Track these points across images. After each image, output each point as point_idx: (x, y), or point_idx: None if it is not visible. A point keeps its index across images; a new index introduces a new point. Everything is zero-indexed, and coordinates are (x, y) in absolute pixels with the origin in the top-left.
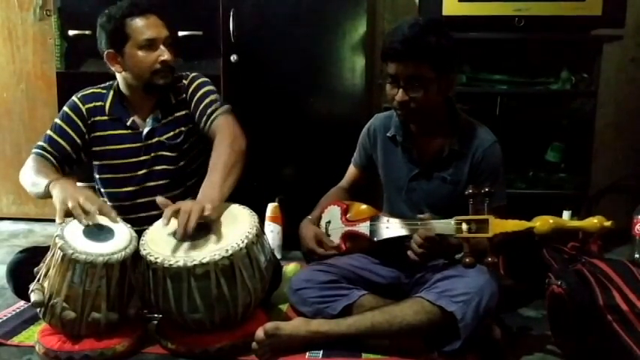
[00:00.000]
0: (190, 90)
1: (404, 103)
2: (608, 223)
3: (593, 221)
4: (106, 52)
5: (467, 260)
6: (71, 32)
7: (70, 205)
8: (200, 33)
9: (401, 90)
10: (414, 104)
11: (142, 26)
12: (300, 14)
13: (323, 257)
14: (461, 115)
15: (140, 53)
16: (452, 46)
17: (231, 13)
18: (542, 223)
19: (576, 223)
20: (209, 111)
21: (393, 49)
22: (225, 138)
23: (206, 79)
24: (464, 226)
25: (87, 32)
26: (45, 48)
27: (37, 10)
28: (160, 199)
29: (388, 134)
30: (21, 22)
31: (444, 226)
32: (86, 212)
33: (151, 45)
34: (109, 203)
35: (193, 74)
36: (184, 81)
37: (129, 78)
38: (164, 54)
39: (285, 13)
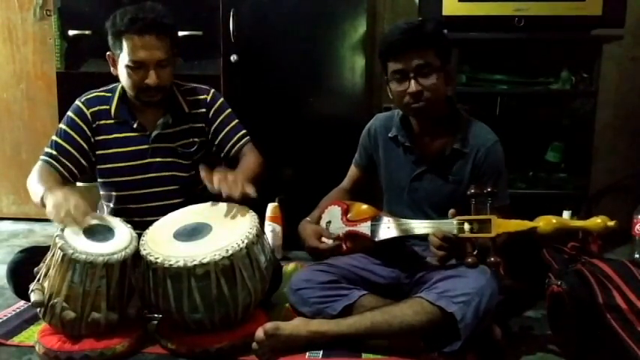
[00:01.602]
0: (213, 109)
1: (417, 94)
2: (611, 223)
3: (597, 221)
4: (107, 53)
5: (469, 260)
6: (71, 32)
7: (62, 214)
8: (200, 33)
9: (412, 81)
10: (427, 93)
11: (134, 47)
12: (300, 14)
13: (327, 252)
14: (462, 114)
15: (127, 70)
16: (448, 38)
17: (231, 13)
18: (545, 222)
19: (580, 223)
20: (236, 137)
21: (394, 44)
22: (253, 156)
23: (224, 100)
24: (466, 226)
25: (87, 32)
26: (45, 48)
27: (37, 10)
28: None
29: (390, 135)
30: (21, 22)
31: (446, 226)
32: (77, 222)
33: (138, 67)
34: (112, 205)
35: (213, 91)
36: (205, 96)
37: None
38: (150, 77)
39: (285, 13)
